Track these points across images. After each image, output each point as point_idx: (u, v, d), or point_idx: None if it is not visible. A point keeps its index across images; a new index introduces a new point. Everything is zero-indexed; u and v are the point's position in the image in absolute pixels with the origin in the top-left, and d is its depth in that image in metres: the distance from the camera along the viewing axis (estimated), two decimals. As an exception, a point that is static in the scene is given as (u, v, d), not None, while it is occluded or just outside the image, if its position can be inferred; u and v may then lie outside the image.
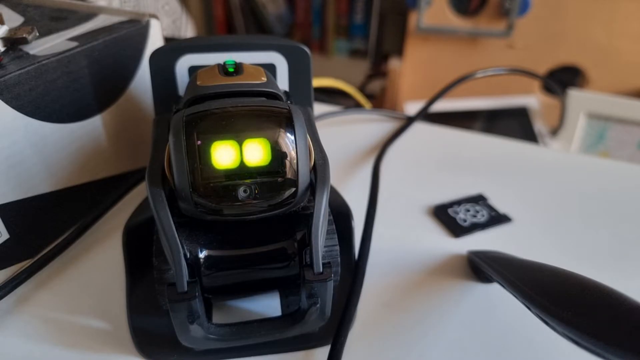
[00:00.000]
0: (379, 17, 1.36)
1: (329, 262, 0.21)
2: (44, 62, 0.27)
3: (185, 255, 0.20)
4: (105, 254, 0.30)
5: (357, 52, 1.51)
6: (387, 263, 0.30)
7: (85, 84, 0.30)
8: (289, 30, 1.55)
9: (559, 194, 0.37)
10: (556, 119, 0.80)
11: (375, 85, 1.32)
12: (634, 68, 0.92)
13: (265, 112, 0.20)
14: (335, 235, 0.24)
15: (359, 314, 0.26)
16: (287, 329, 0.22)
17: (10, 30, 0.28)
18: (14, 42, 0.28)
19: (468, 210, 0.35)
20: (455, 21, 0.97)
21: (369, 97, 1.11)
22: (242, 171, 0.19)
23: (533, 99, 0.96)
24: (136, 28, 0.33)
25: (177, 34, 0.95)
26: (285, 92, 0.29)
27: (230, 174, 0.19)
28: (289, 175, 0.20)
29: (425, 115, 0.47)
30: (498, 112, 0.95)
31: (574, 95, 0.75)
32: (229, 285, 0.22)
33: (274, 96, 0.23)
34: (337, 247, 0.24)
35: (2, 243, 0.27)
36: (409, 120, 0.46)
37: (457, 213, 0.34)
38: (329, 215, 0.24)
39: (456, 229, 0.33)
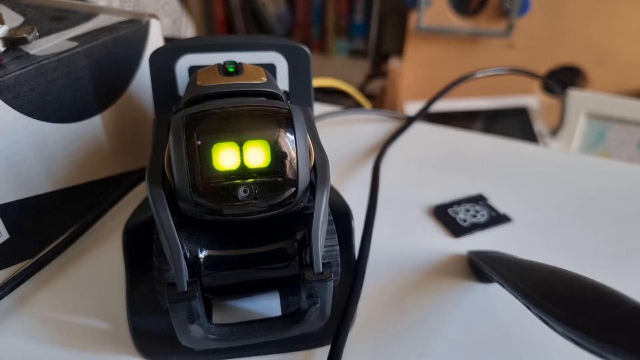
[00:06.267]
0: (379, 17, 1.36)
1: (329, 262, 0.21)
2: (44, 62, 0.27)
3: (185, 255, 0.20)
4: (105, 254, 0.30)
5: (357, 52, 1.51)
6: (387, 263, 0.30)
7: (85, 84, 0.30)
8: (289, 30, 1.55)
9: (559, 194, 0.37)
10: (556, 119, 0.80)
11: (375, 85, 1.32)
12: (634, 68, 0.92)
13: (265, 112, 0.20)
14: (335, 235, 0.24)
15: (359, 314, 0.26)
16: (287, 329, 0.22)
17: (10, 30, 0.28)
18: (14, 42, 0.28)
19: (468, 210, 0.35)
20: (455, 21, 0.97)
21: (369, 97, 1.11)
22: (242, 171, 0.19)
23: (533, 99, 0.96)
24: (136, 28, 0.33)
25: (177, 34, 0.95)
26: (285, 92, 0.29)
27: (230, 174, 0.19)
28: (289, 175, 0.20)
29: (425, 115, 0.47)
30: (498, 112, 0.95)
31: (574, 95, 0.75)
32: (229, 285, 0.22)
33: (274, 96, 0.23)
34: (337, 247, 0.24)
35: (2, 243, 0.27)
36: (409, 120, 0.46)
37: (457, 213, 0.34)
38: (329, 215, 0.24)
39: (456, 229, 0.33)
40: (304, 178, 0.20)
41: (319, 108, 0.48)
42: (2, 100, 0.25)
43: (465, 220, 0.34)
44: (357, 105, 0.60)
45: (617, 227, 0.34)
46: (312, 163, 0.21)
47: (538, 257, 0.25)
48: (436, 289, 0.28)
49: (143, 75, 0.34)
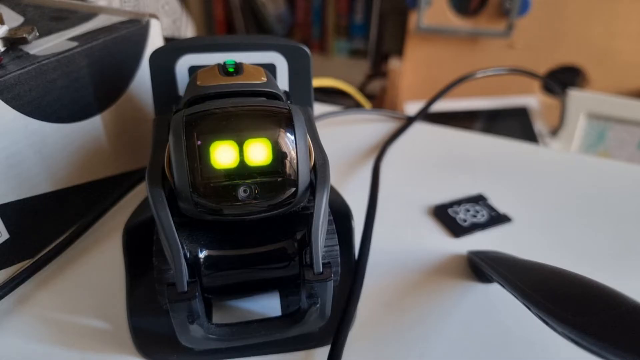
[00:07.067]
0: (379, 17, 1.36)
1: (329, 262, 0.21)
2: (44, 62, 0.27)
3: (185, 255, 0.20)
4: (105, 254, 0.30)
5: (357, 52, 1.51)
6: (387, 263, 0.30)
7: (85, 84, 0.30)
8: (289, 30, 1.55)
9: (559, 194, 0.37)
10: (556, 119, 0.80)
11: (375, 85, 1.32)
12: (634, 68, 0.92)
13: (265, 112, 0.20)
14: (335, 235, 0.24)
15: (359, 314, 0.26)
16: (287, 329, 0.22)
17: (10, 30, 0.28)
18: (14, 42, 0.28)
19: (468, 210, 0.35)
20: (455, 21, 0.97)
21: (369, 97, 1.11)
22: (242, 171, 0.19)
23: (533, 99, 0.96)
24: (136, 28, 0.33)
25: (177, 34, 0.95)
26: (285, 92, 0.29)
27: (230, 174, 0.19)
28: (289, 175, 0.20)
29: (425, 115, 0.47)
30: (498, 112, 0.95)
31: (574, 95, 0.75)
32: (229, 285, 0.22)
33: (274, 96, 0.23)
34: (337, 247, 0.24)
35: (2, 243, 0.27)
36: (409, 120, 0.46)
37: (457, 213, 0.34)
38: (329, 215, 0.24)
39: (456, 229, 0.33)
40: (304, 178, 0.20)
41: (319, 108, 0.48)
42: (2, 100, 0.25)
43: (465, 220, 0.34)
44: (357, 105, 0.60)
45: (617, 227, 0.34)
46: (312, 163, 0.21)
47: (538, 257, 0.26)
48: (436, 289, 0.28)
49: (143, 75, 0.34)
